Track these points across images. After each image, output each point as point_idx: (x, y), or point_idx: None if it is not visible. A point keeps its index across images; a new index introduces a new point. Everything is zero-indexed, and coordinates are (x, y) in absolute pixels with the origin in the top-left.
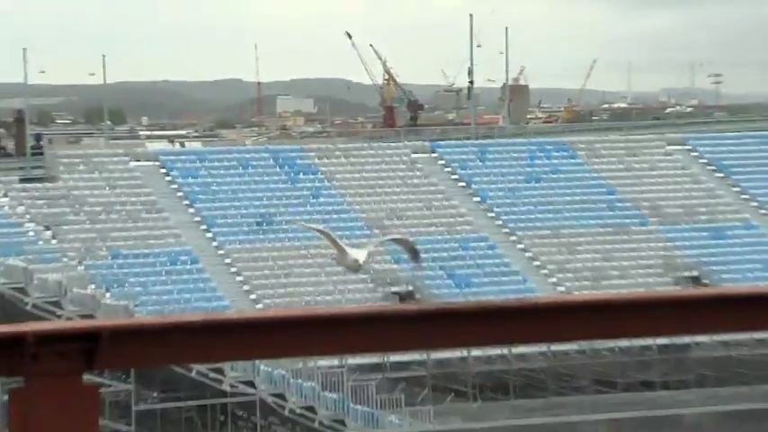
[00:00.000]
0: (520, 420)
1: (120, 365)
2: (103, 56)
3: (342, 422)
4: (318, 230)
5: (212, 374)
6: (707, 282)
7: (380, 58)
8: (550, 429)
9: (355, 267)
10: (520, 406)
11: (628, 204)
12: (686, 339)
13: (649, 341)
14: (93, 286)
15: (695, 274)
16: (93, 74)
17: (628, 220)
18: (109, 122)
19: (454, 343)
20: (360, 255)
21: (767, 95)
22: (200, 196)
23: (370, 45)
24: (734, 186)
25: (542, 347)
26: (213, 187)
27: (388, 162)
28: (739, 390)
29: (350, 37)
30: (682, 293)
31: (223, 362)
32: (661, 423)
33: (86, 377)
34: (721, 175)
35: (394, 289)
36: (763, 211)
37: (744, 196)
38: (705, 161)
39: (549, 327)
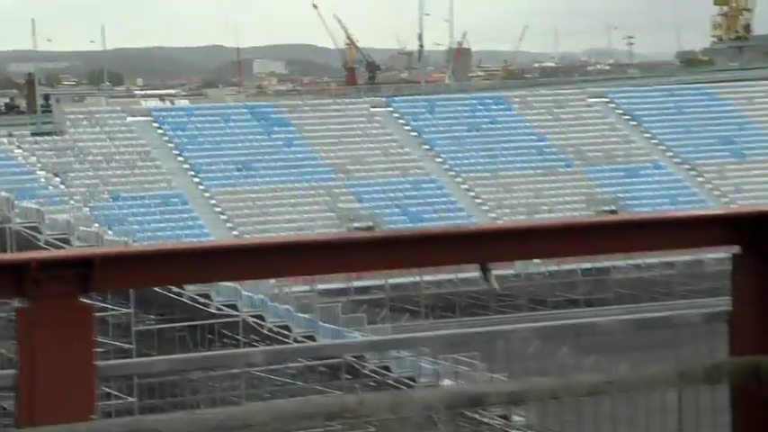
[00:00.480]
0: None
1: (112, 288)
2: (102, 25)
3: (312, 338)
4: None
5: (201, 300)
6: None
7: (342, 26)
8: (485, 336)
9: None
10: (465, 322)
11: (555, 149)
12: (606, 263)
13: (574, 265)
14: (96, 225)
15: (613, 208)
16: (94, 41)
17: (555, 163)
18: (108, 83)
19: (400, 264)
20: None
21: (673, 54)
22: (188, 146)
23: (334, 15)
24: (645, 133)
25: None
26: (199, 139)
27: (350, 116)
28: (651, 305)
29: (316, 7)
30: (595, 219)
31: (200, 283)
32: (579, 330)
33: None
34: (635, 123)
35: (356, 224)
36: (669, 154)
37: (653, 141)
38: (621, 111)
39: (479, 249)
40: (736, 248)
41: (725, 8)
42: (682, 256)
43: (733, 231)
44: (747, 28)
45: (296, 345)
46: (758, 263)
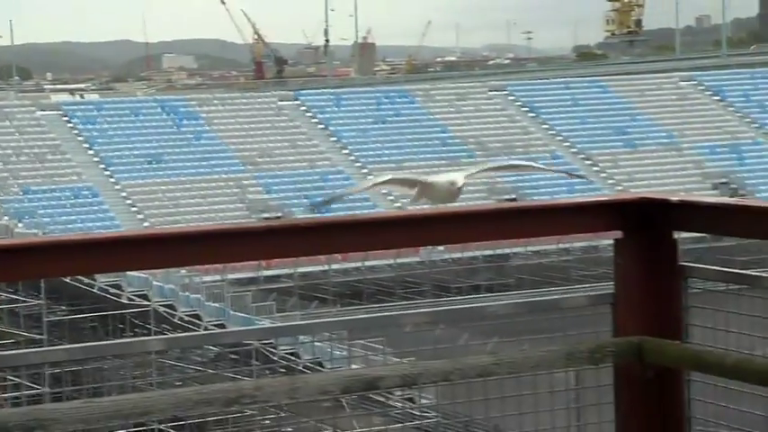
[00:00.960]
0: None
1: (17, 278)
2: (10, 20)
3: (223, 326)
4: (383, 183)
5: (112, 290)
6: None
7: (250, 22)
8: (377, 321)
9: (452, 193)
10: (372, 309)
11: (458, 141)
12: (506, 249)
13: (476, 252)
14: (6, 218)
15: (513, 196)
16: (2, 36)
17: (458, 154)
18: (17, 78)
19: (295, 253)
20: (456, 176)
21: (569, 48)
22: (98, 140)
23: (242, 11)
24: (543, 124)
25: (389, 261)
26: (109, 132)
27: (258, 109)
28: (549, 290)
29: (224, 3)
30: (488, 207)
31: (99, 273)
32: (469, 314)
33: None
34: (533, 114)
35: (265, 215)
36: (566, 144)
37: (551, 132)
38: (520, 104)
39: (368, 238)
40: (618, 234)
41: (617, 4)
42: (579, 242)
43: (616, 217)
44: (638, 23)
45: (190, 333)
46: (638, 247)
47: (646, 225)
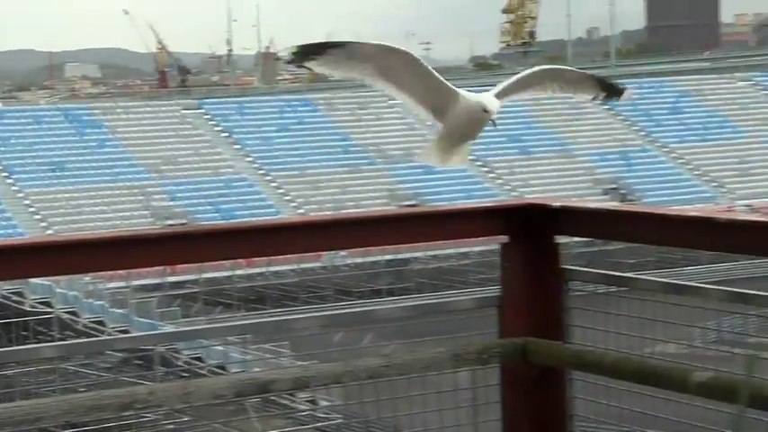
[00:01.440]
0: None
1: None
2: None
3: (127, 332)
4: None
5: (15, 297)
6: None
7: (154, 31)
8: (276, 326)
9: (484, 118)
10: (274, 314)
11: (359, 148)
12: (407, 254)
13: (377, 257)
14: None
15: (414, 202)
16: None
17: (359, 161)
18: None
19: (199, 258)
20: (488, 99)
21: (466, 59)
22: (1, 148)
23: (146, 21)
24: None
25: (293, 266)
26: (12, 141)
27: (162, 118)
28: (446, 293)
29: (127, 13)
30: (382, 212)
31: (10, 279)
32: (363, 317)
33: None
34: (431, 123)
35: (170, 222)
36: None
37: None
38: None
39: (268, 243)
40: (505, 238)
41: (512, 16)
42: (478, 246)
43: (502, 222)
44: (532, 35)
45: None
46: (523, 251)
47: (530, 230)
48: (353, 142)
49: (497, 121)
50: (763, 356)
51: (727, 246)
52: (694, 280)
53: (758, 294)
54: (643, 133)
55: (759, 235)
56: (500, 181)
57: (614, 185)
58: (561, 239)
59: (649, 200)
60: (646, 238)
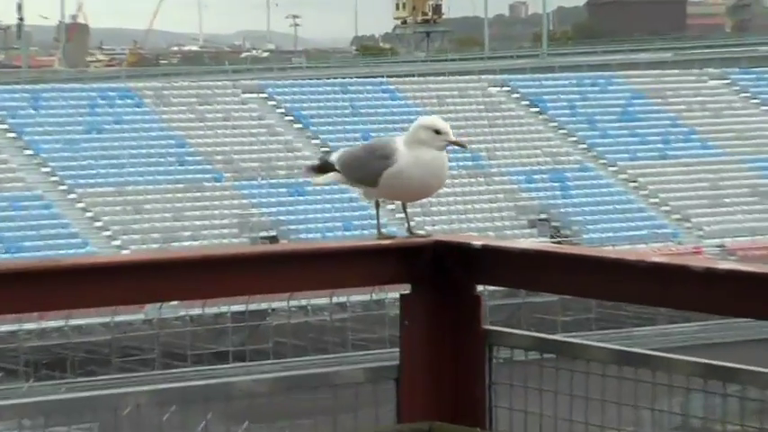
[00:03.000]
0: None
1: None
2: None
3: None
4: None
5: None
6: (284, 242)
7: None
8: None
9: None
10: (79, 385)
11: (200, 158)
12: (263, 304)
13: (223, 308)
14: None
15: (273, 234)
16: None
17: (200, 176)
18: None
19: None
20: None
21: (348, 40)
22: None
23: None
24: (313, 138)
25: (105, 318)
26: None
27: None
28: (314, 358)
29: None
30: (239, 251)
31: None
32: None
33: None
34: (300, 125)
35: None
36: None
37: (324, 149)
38: (283, 111)
39: (74, 290)
40: (406, 288)
41: None
42: (358, 295)
43: (403, 266)
44: (437, 9)
45: None
46: (431, 305)
47: (440, 276)
48: (193, 149)
49: None
50: None
51: (705, 305)
52: (649, 345)
53: (742, 369)
54: (583, 146)
55: (754, 291)
56: (390, 207)
57: (544, 215)
58: (481, 289)
59: (590, 236)
60: (593, 290)
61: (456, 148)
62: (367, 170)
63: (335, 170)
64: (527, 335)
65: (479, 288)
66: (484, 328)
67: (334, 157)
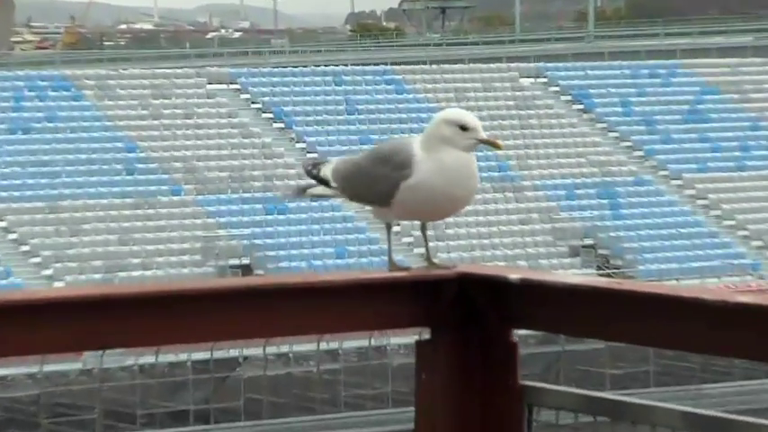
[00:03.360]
0: None
1: None
2: None
3: None
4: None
5: None
6: (260, 272)
7: None
8: None
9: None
10: None
11: (154, 166)
12: (232, 352)
13: (182, 356)
14: None
15: (245, 261)
16: None
17: (154, 188)
18: None
19: None
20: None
21: (340, 18)
22: None
23: None
24: (298, 141)
25: (32, 368)
26: None
27: None
28: (297, 420)
29: None
30: (213, 283)
31: None
32: None
33: None
34: (281, 125)
35: None
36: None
37: (311, 154)
38: (259, 106)
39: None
40: (424, 332)
41: None
42: (353, 340)
43: (419, 304)
44: None
45: None
46: (454, 354)
47: (467, 319)
48: (144, 154)
49: None
50: None
51: None
52: (725, 406)
53: None
54: (639, 153)
55: None
56: (397, 228)
57: (589, 241)
58: (518, 335)
59: (647, 267)
60: (661, 338)
61: (485, 150)
62: (378, 186)
63: (329, 186)
64: (575, 392)
65: (516, 334)
66: (521, 384)
67: (327, 170)
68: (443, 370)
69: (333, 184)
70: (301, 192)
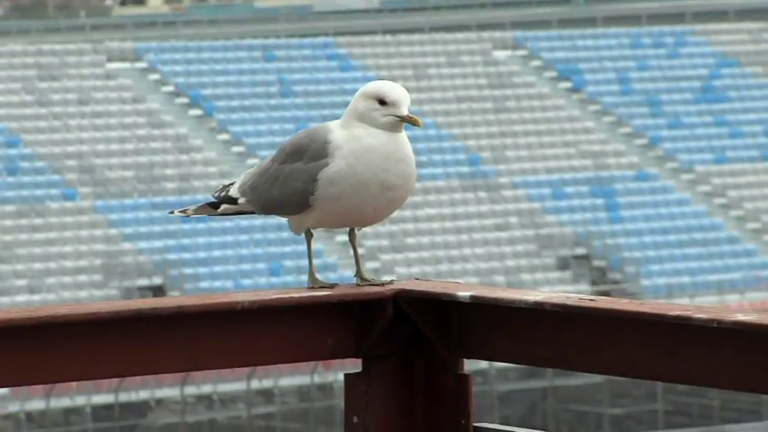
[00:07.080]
0: None
1: None
2: None
3: None
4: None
5: None
6: (176, 294)
7: None
8: None
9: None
10: None
11: (41, 164)
12: (142, 394)
13: (79, 400)
14: None
15: (157, 281)
16: None
17: (41, 192)
18: None
19: None
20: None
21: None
22: None
23: None
24: (220, 132)
25: None
26: None
27: None
28: None
29: None
30: (117, 306)
31: None
32: None
33: None
34: (198, 111)
35: None
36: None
37: (237, 147)
38: (172, 89)
39: None
40: (355, 364)
41: None
42: (291, 377)
43: (348, 329)
44: None
45: None
46: (391, 389)
47: (407, 347)
48: (30, 150)
49: None
50: None
51: None
52: None
53: None
54: (641, 141)
55: None
56: (341, 239)
57: (581, 250)
58: (467, 366)
59: (653, 281)
60: (647, 366)
61: (451, 140)
62: (292, 185)
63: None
64: None
65: (467, 364)
66: (475, 427)
67: (234, 189)
68: (378, 411)
69: (240, 199)
70: (210, 209)
